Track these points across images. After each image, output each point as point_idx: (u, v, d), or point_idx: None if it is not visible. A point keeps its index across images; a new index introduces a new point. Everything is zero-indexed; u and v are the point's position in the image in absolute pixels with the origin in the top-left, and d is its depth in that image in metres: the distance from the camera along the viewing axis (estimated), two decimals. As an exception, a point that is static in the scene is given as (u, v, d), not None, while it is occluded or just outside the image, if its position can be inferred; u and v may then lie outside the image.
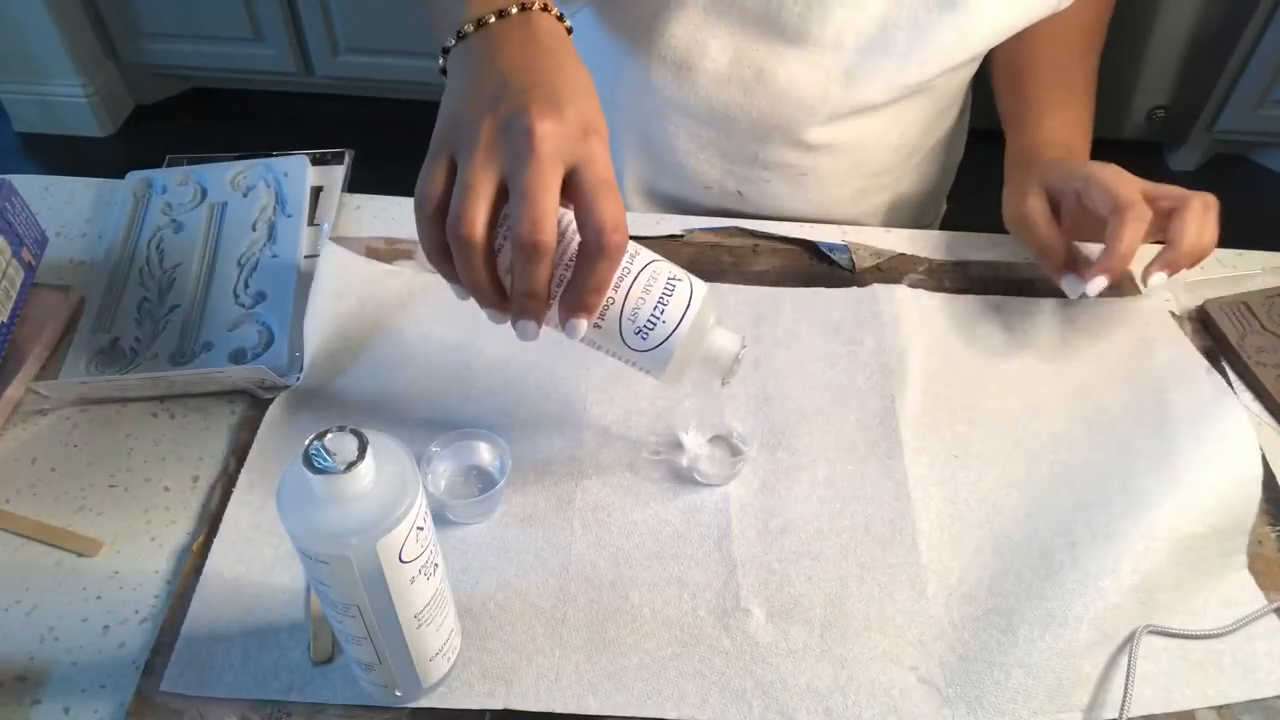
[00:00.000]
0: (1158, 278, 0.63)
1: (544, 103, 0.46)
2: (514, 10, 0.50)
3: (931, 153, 0.86)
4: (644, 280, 0.50)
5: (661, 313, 0.50)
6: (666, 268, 0.51)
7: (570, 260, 0.48)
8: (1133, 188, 0.64)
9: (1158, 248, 0.65)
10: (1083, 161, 0.70)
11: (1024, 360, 0.68)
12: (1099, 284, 0.64)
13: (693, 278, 0.51)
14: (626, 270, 0.49)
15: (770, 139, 0.77)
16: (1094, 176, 0.65)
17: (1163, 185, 0.65)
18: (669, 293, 0.50)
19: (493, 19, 0.50)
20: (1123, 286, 0.72)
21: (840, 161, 0.79)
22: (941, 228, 0.95)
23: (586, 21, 0.78)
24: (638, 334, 0.50)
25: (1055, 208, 0.69)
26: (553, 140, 0.45)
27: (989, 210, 0.76)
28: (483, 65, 0.49)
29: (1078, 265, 0.67)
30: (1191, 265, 0.64)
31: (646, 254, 0.51)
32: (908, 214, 0.89)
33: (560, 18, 0.52)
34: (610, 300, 0.49)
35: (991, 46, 0.73)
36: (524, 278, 0.46)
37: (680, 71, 0.75)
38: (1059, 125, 0.74)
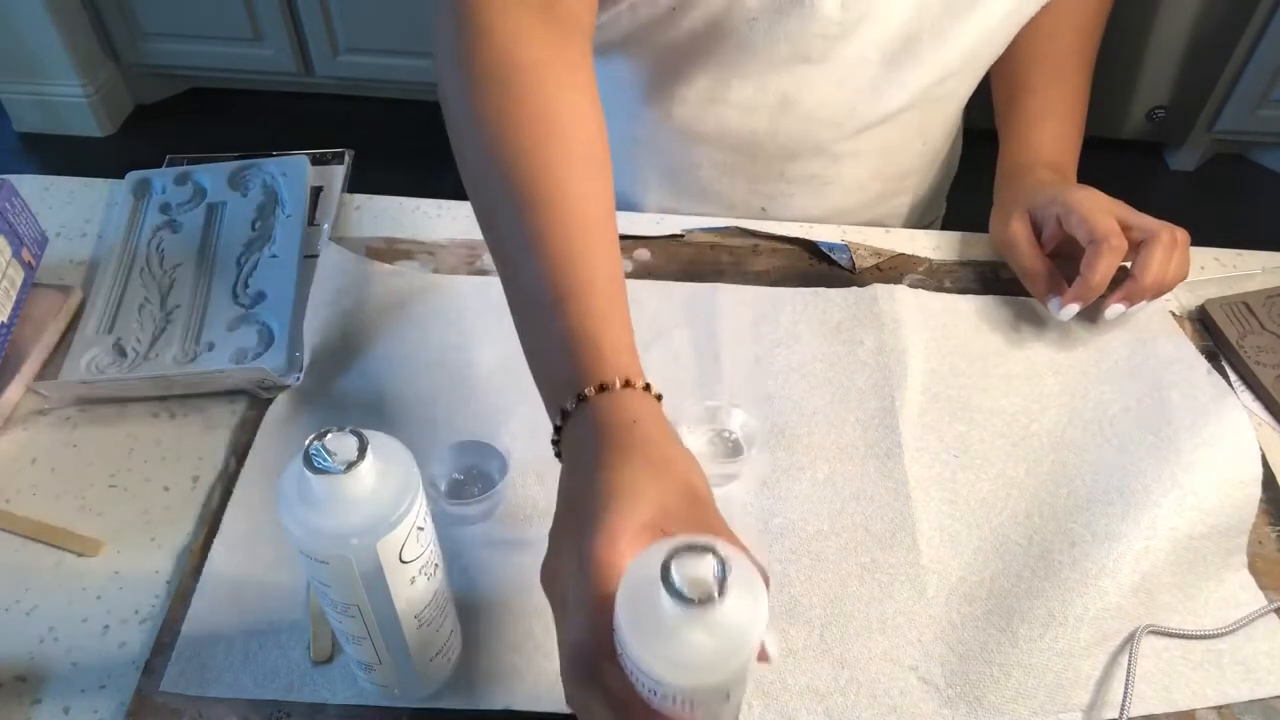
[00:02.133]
0: (1114, 309, 0.66)
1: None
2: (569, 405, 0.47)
3: (944, 150, 0.86)
4: None
5: None
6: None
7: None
8: (1109, 217, 0.66)
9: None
10: (1067, 182, 0.73)
11: (1024, 360, 0.68)
12: (1071, 310, 0.66)
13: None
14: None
15: (797, 157, 0.77)
16: (1073, 204, 0.67)
17: (1138, 214, 0.67)
18: None
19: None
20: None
21: (864, 167, 0.79)
22: (942, 222, 0.96)
23: (604, 64, 0.75)
24: None
25: (1039, 229, 0.70)
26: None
27: (985, 204, 0.76)
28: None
29: (1060, 287, 0.68)
30: (1153, 298, 0.67)
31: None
32: (922, 212, 0.89)
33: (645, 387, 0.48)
34: None
35: (1011, 37, 0.73)
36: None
37: (704, 107, 0.74)
38: (1049, 139, 0.75)
